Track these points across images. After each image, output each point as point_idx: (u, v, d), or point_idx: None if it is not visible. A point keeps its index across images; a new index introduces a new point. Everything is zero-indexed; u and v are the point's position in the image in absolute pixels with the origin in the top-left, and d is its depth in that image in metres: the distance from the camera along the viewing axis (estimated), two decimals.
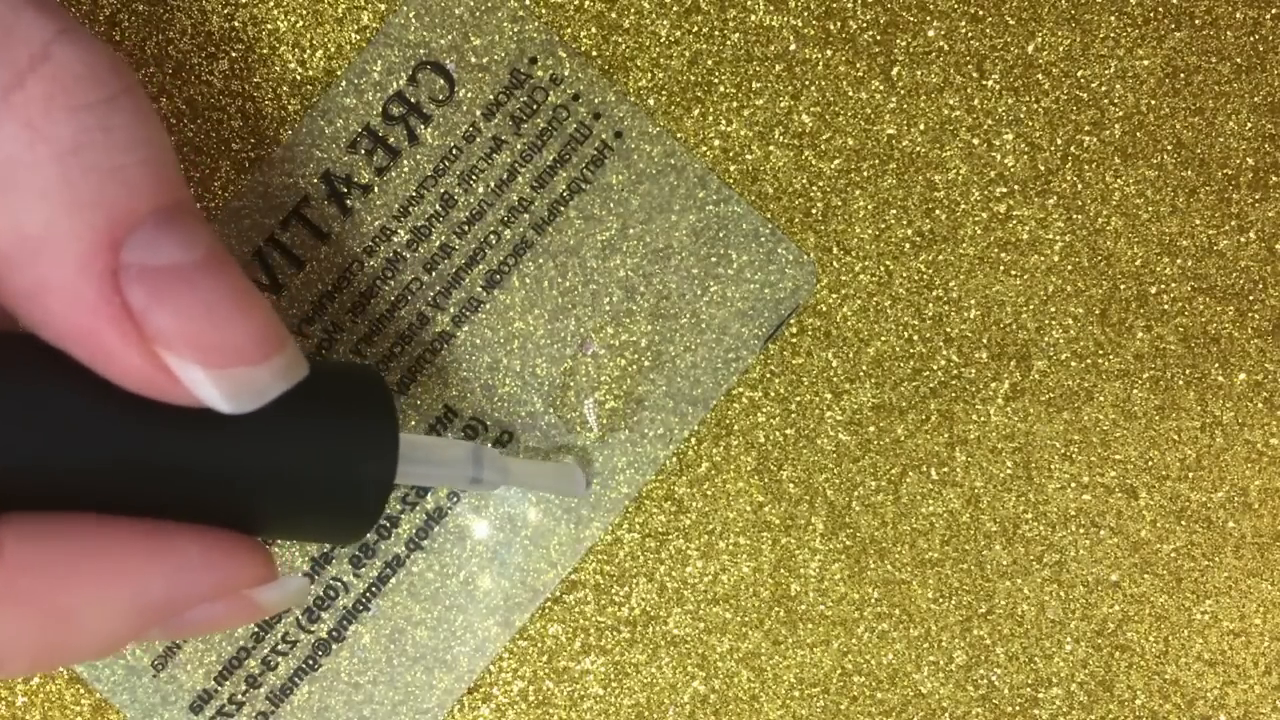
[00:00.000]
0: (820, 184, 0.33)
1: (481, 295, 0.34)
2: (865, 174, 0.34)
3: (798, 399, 0.33)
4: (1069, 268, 0.33)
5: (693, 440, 0.33)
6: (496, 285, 0.33)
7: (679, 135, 0.34)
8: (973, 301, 0.33)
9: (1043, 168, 0.33)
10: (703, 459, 0.33)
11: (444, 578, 0.33)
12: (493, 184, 0.34)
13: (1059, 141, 0.33)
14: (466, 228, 0.34)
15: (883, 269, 0.34)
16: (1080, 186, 0.33)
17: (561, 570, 0.33)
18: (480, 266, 0.34)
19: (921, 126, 0.33)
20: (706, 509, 0.33)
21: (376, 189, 0.34)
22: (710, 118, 0.33)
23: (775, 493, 0.33)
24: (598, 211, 0.34)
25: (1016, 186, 0.33)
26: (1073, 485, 0.33)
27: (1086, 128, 0.33)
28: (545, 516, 0.33)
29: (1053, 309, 0.33)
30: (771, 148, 0.33)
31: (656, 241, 0.34)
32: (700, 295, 0.33)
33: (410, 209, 0.34)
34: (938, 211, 0.33)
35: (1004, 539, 0.33)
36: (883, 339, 0.33)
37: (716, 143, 0.34)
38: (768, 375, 0.33)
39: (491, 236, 0.34)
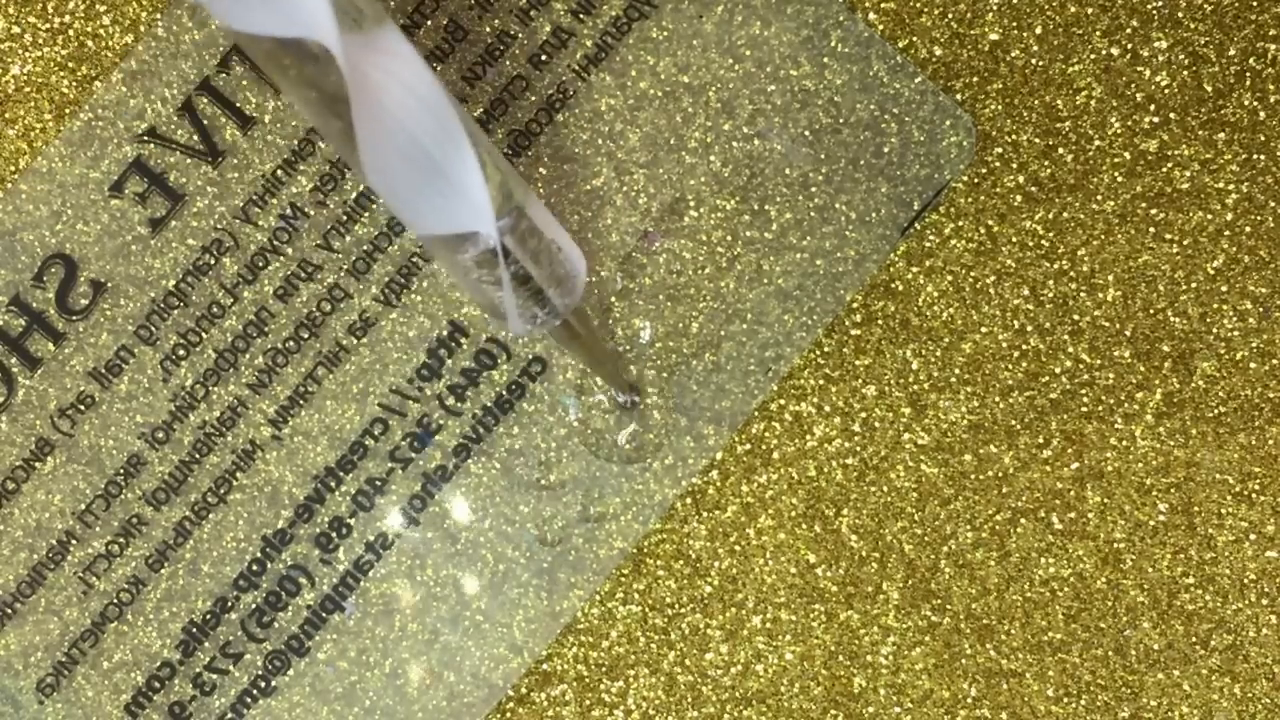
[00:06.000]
0: None
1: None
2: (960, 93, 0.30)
3: (863, 415, 0.30)
4: (1246, 229, 0.30)
5: (714, 473, 0.30)
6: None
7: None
8: (1110, 277, 0.30)
9: (1210, 88, 0.30)
10: (728, 499, 0.30)
11: (361, 668, 0.29)
12: None
13: (1232, 51, 0.30)
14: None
15: (983, 231, 0.30)
16: (1263, 114, 0.30)
17: (528, 657, 0.29)
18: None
19: (1039, 30, 0.30)
20: (734, 570, 0.30)
21: None
22: None
23: (832, 548, 0.30)
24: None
25: (1172, 114, 0.30)
26: (1252, 537, 0.30)
27: (1272, 31, 0.30)
28: (503, 579, 0.29)
29: (1224, 289, 0.30)
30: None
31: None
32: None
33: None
34: (1061, 150, 0.30)
35: (1155, 613, 0.30)
36: (983, 330, 0.30)
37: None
38: (821, 380, 0.30)
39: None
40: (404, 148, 0.20)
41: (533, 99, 0.29)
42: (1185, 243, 0.30)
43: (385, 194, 0.21)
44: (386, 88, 0.20)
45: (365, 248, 0.28)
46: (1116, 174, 0.30)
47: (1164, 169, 0.30)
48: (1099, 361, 0.30)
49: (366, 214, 0.28)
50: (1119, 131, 0.30)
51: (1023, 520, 0.30)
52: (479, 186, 0.21)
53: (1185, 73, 0.30)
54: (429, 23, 0.29)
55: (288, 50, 0.19)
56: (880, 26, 0.29)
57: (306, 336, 0.28)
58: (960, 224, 0.30)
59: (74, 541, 0.28)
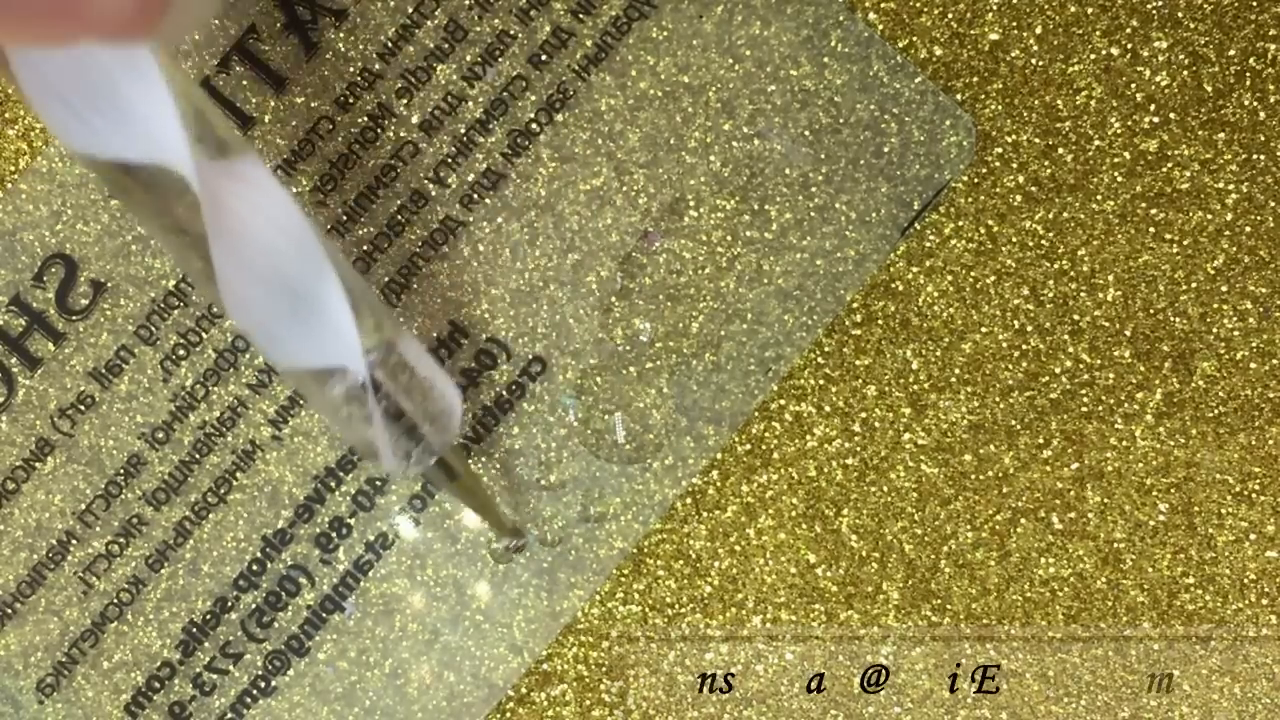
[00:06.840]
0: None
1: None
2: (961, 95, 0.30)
3: (863, 415, 0.30)
4: (1246, 229, 0.30)
5: (714, 473, 0.30)
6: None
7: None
8: (1111, 278, 0.30)
9: (1210, 88, 0.30)
10: (728, 500, 0.30)
11: (361, 668, 0.29)
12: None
13: (1232, 51, 0.30)
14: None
15: (983, 231, 0.30)
16: (1263, 114, 0.30)
17: (529, 657, 0.29)
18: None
19: (1039, 30, 0.30)
20: (734, 570, 0.30)
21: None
22: None
23: (832, 548, 0.30)
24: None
25: (1172, 114, 0.30)
26: (1252, 537, 0.30)
27: (1272, 31, 0.30)
28: (506, 580, 0.29)
29: (1224, 289, 0.30)
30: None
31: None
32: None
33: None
34: (1061, 150, 0.30)
35: (1155, 613, 0.30)
36: (983, 330, 0.30)
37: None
38: (821, 380, 0.30)
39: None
40: (266, 279, 0.18)
41: (533, 99, 0.28)
42: (1185, 243, 0.30)
43: (247, 327, 0.20)
44: (246, 217, 0.19)
45: (365, 247, 0.28)
46: (1116, 174, 0.30)
47: (1164, 169, 0.29)
48: (1099, 361, 0.30)
49: (366, 214, 0.28)
50: (1119, 131, 0.29)
51: (1023, 520, 0.29)
52: (346, 318, 0.20)
53: (1185, 73, 0.29)
54: (429, 23, 0.28)
55: (139, 177, 0.18)
56: (880, 26, 0.29)
57: None
58: (960, 224, 0.29)
59: (74, 541, 0.28)
